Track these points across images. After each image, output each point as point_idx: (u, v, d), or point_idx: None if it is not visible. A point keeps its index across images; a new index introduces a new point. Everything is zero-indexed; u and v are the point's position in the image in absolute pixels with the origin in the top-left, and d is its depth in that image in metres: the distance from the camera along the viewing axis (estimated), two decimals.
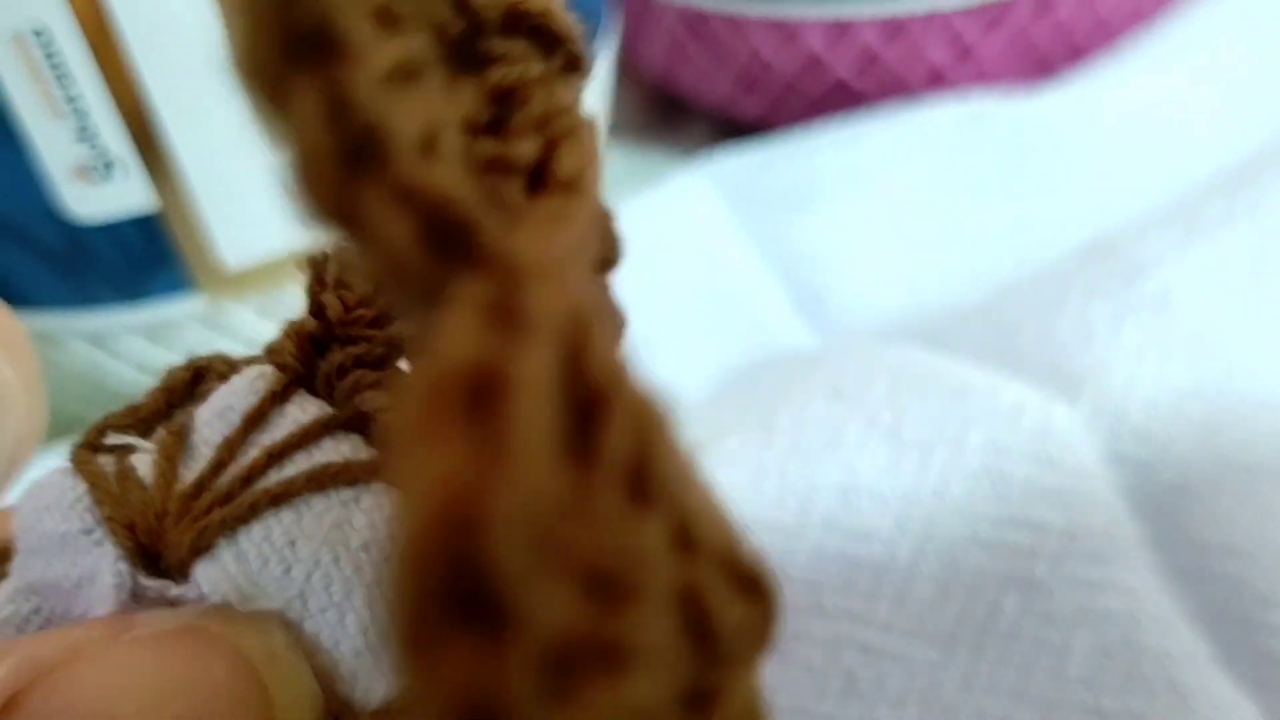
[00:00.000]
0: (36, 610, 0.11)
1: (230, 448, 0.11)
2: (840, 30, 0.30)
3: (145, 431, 0.11)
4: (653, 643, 0.06)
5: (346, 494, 0.10)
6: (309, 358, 0.11)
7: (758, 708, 0.08)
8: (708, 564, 0.07)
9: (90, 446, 0.11)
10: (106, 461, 0.11)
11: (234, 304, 0.24)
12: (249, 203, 0.23)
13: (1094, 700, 0.18)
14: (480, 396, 0.06)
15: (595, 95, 0.29)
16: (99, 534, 0.11)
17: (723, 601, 0.07)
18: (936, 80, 0.31)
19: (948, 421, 0.20)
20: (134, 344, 0.25)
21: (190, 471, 0.11)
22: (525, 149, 0.08)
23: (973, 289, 0.26)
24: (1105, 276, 0.23)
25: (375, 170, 0.07)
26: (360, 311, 0.11)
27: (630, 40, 0.34)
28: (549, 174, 0.08)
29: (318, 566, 0.10)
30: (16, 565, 0.11)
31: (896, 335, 0.25)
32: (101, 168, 0.22)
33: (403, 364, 0.11)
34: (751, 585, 0.07)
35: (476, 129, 0.08)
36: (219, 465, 0.10)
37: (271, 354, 0.11)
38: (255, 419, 0.11)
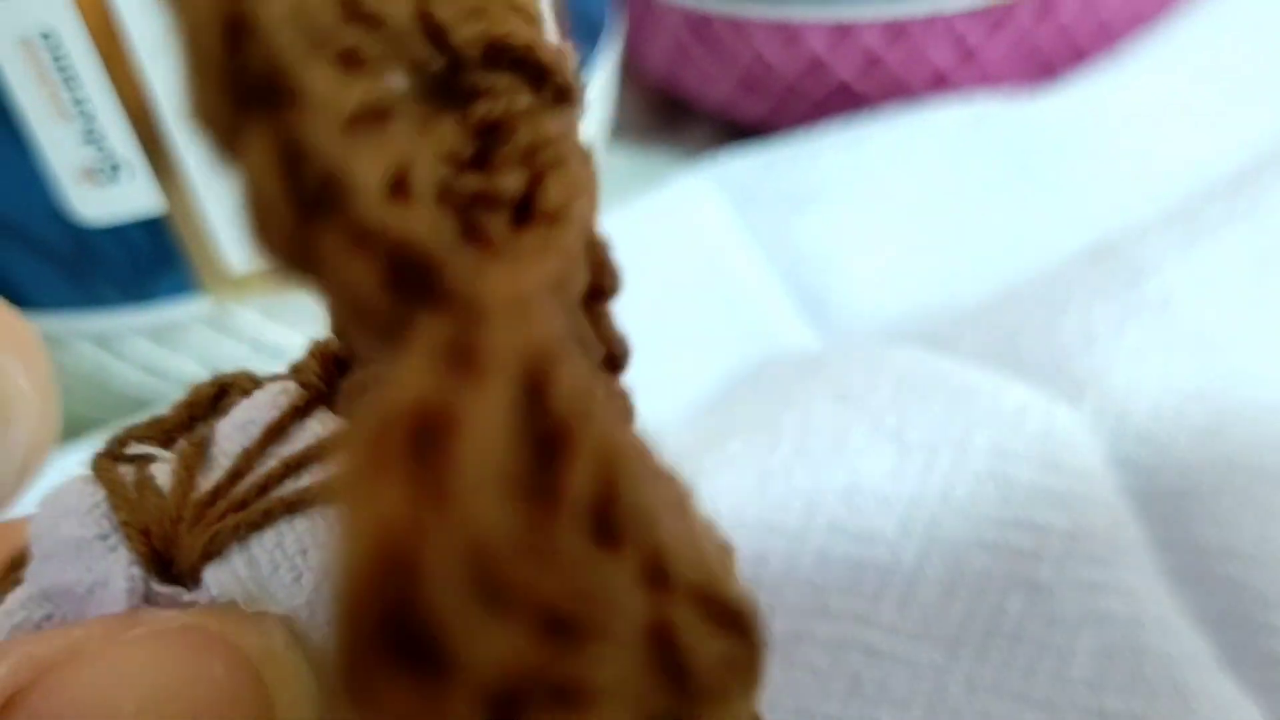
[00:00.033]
0: (48, 617, 0.11)
1: (249, 458, 0.11)
2: (843, 33, 0.30)
3: (167, 443, 0.11)
4: (614, 681, 0.06)
5: None
6: (332, 376, 0.11)
7: None
8: (682, 600, 0.07)
9: (111, 455, 0.11)
10: (127, 470, 0.11)
11: (239, 306, 0.24)
12: None
13: (1097, 701, 0.18)
14: (425, 437, 0.06)
15: (598, 98, 0.29)
16: (114, 539, 0.11)
17: (698, 638, 0.07)
18: (939, 82, 0.31)
19: (952, 424, 0.20)
20: (139, 346, 0.25)
21: (208, 481, 0.11)
22: (510, 182, 0.08)
23: (975, 291, 0.26)
24: (1107, 278, 0.23)
25: (334, 215, 0.07)
26: None
27: (633, 42, 0.34)
28: (535, 207, 0.08)
29: (328, 576, 0.10)
30: (30, 571, 0.11)
31: (899, 337, 0.25)
32: (108, 170, 0.22)
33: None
34: (732, 620, 0.07)
35: (461, 164, 0.08)
36: (236, 474, 0.11)
37: (295, 372, 0.11)
38: (275, 432, 0.11)
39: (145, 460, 0.11)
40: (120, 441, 0.12)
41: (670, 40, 0.33)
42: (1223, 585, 0.20)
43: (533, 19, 0.09)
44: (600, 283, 0.10)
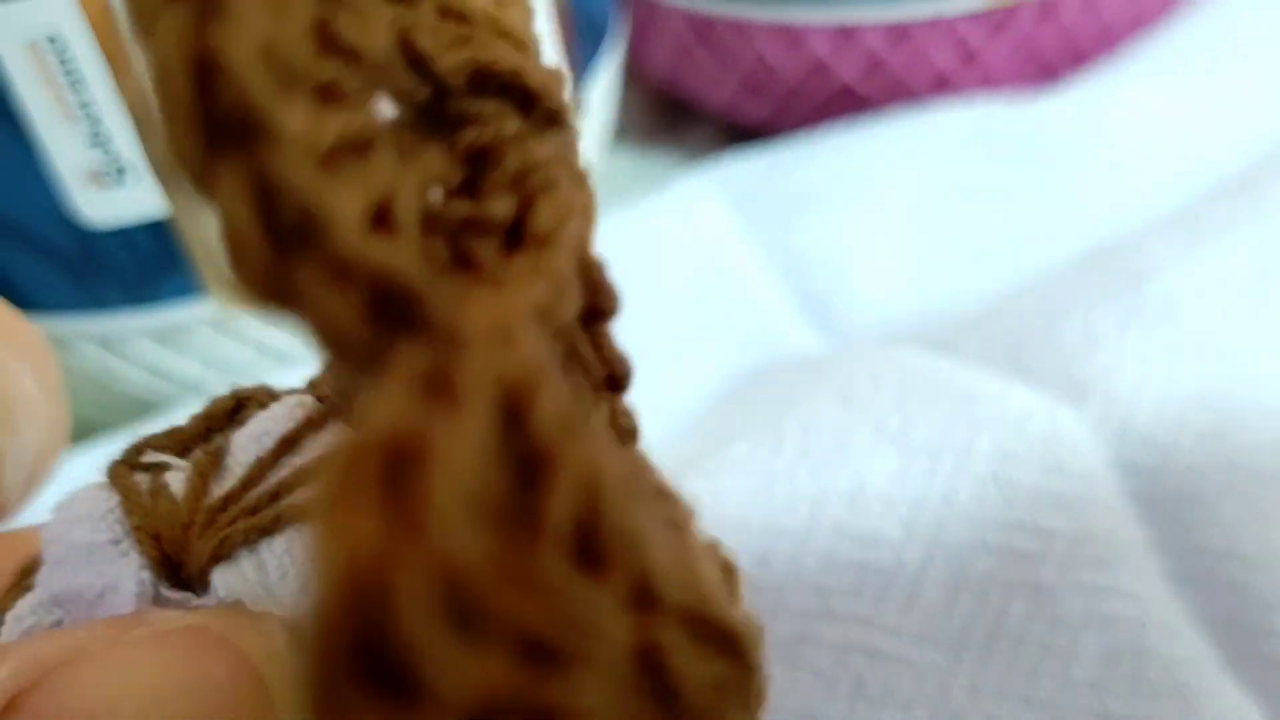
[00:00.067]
0: (58, 623, 0.11)
1: (262, 467, 0.11)
2: (845, 35, 0.30)
3: (183, 453, 0.12)
4: (599, 705, 0.06)
5: None
6: None
7: None
8: (671, 623, 0.07)
9: (127, 463, 0.11)
10: (142, 478, 0.11)
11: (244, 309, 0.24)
12: None
13: (1101, 704, 0.18)
14: (398, 466, 0.06)
15: (601, 100, 0.29)
16: (126, 544, 0.11)
17: (687, 660, 0.07)
18: (941, 85, 0.31)
19: (955, 427, 0.20)
20: (144, 347, 0.25)
21: (221, 488, 0.11)
22: (499, 208, 0.08)
23: (978, 293, 0.26)
24: (1110, 281, 0.23)
25: (311, 249, 0.07)
26: None
27: (636, 44, 0.34)
28: (525, 232, 0.08)
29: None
30: (42, 577, 0.11)
31: (902, 339, 0.25)
32: (114, 173, 0.22)
33: None
34: (724, 642, 0.07)
35: (450, 190, 0.08)
36: (249, 482, 0.11)
37: (313, 386, 0.11)
38: (289, 443, 0.11)
39: (161, 468, 0.11)
40: (137, 450, 0.12)
41: (673, 42, 0.33)
42: (1225, 588, 0.20)
43: (521, 43, 0.09)
44: (598, 304, 0.10)
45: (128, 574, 0.11)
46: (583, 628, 0.06)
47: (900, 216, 0.28)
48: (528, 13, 0.10)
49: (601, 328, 0.10)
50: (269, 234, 0.07)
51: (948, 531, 0.19)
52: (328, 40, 0.07)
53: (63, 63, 0.21)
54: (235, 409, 0.12)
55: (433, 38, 0.08)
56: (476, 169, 0.09)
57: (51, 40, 0.21)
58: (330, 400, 0.11)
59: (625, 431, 0.10)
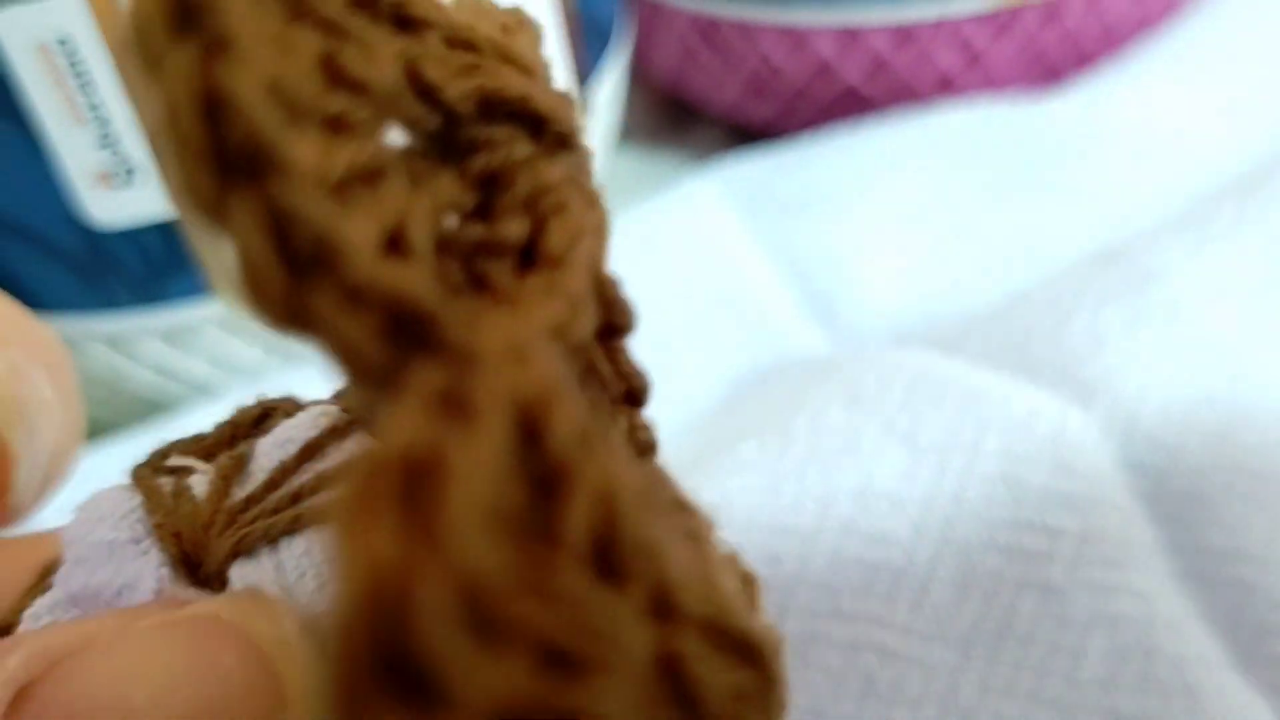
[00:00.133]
0: None
1: (285, 472, 0.11)
2: (850, 37, 0.30)
3: (208, 459, 0.12)
4: (620, 713, 0.06)
5: None
6: None
7: None
8: (691, 633, 0.07)
9: (151, 467, 0.11)
10: (165, 481, 0.11)
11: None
12: None
13: (1109, 702, 0.18)
14: (416, 481, 0.06)
15: (607, 102, 0.29)
16: (146, 544, 0.11)
17: (707, 669, 0.07)
18: (945, 87, 0.31)
19: (964, 427, 0.20)
20: (153, 347, 0.25)
21: (243, 491, 0.11)
22: (512, 230, 0.08)
23: (984, 294, 0.26)
24: (1117, 283, 0.23)
25: (326, 275, 0.07)
26: None
27: (642, 46, 0.34)
28: (538, 253, 0.08)
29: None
30: (60, 576, 0.11)
31: (909, 340, 0.25)
32: (123, 174, 0.22)
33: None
34: (744, 652, 0.07)
35: (464, 214, 0.08)
36: (271, 485, 0.11)
37: (339, 398, 0.11)
38: (313, 449, 0.11)
39: (185, 472, 0.11)
40: (161, 454, 0.12)
41: (678, 44, 0.33)
42: (1232, 587, 0.20)
43: (529, 69, 0.09)
44: (614, 320, 0.10)
45: (147, 572, 0.11)
46: (602, 636, 0.06)
47: (905, 217, 0.28)
48: (536, 38, 0.10)
49: (618, 343, 0.10)
50: (284, 263, 0.07)
51: (956, 530, 0.19)
52: (334, 74, 0.08)
53: (72, 64, 0.21)
54: (261, 417, 0.12)
55: (440, 67, 0.09)
56: (489, 193, 0.09)
57: (62, 42, 0.21)
58: (355, 411, 0.11)
59: (644, 445, 0.11)
